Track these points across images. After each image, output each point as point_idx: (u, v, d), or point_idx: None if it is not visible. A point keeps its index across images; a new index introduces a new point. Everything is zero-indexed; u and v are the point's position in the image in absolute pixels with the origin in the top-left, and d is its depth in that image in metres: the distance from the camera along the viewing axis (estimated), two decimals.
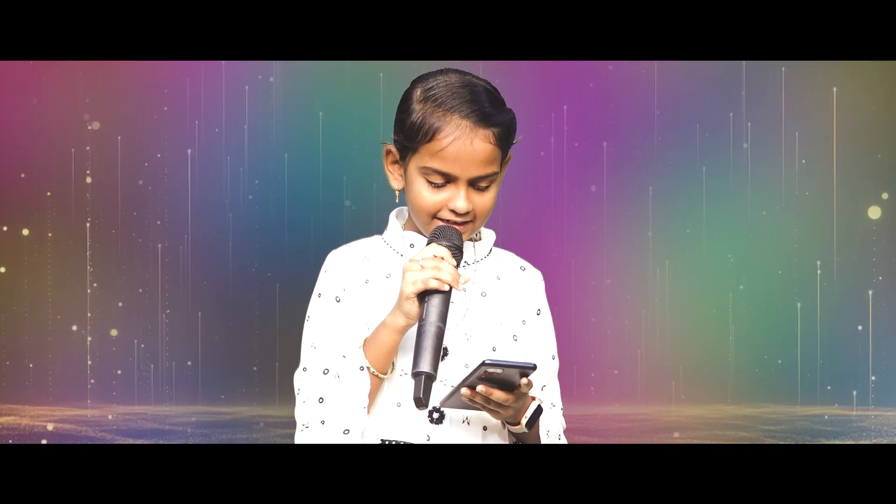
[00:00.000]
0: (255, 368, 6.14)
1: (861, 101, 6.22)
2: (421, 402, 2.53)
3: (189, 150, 6.15)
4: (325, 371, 2.68)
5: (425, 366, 2.54)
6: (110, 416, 6.10)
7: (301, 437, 2.68)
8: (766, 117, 6.25)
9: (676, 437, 6.16)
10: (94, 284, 6.14)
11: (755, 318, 6.25)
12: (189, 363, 6.13)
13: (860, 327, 6.19)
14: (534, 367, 2.56)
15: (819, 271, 6.21)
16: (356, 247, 2.80)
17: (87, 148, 6.13)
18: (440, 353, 2.57)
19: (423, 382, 2.53)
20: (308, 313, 2.75)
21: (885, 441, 6.12)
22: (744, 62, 6.15)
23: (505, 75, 5.99)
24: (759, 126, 6.26)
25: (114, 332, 6.13)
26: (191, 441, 5.99)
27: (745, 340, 6.25)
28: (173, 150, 6.14)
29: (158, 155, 6.12)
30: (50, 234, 6.12)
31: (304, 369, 2.72)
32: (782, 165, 6.22)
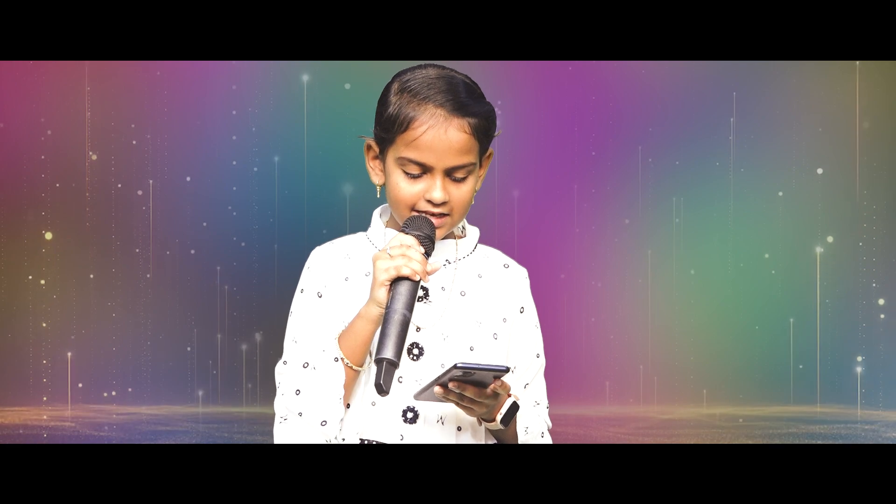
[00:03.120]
0: (254, 366, 6.15)
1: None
2: (381, 388, 2.54)
3: (190, 149, 6.16)
4: (305, 364, 2.71)
5: (387, 352, 2.56)
6: (107, 417, 6.10)
7: (279, 430, 2.70)
8: (767, 118, 6.26)
9: (670, 437, 6.17)
10: (92, 285, 6.14)
11: (754, 319, 6.26)
12: (187, 362, 6.13)
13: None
14: (506, 370, 2.57)
15: (819, 277, 6.22)
16: (340, 244, 2.82)
17: (90, 152, 6.13)
18: (404, 340, 2.58)
19: (385, 369, 2.55)
20: (291, 308, 2.78)
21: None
22: (740, 62, 6.16)
23: (508, 76, 6.00)
24: (760, 126, 6.26)
25: (111, 337, 6.14)
26: (174, 441, 6.00)
27: (744, 341, 6.25)
28: (172, 149, 6.14)
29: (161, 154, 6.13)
30: (46, 235, 6.12)
31: (285, 363, 2.74)
32: (791, 167, 6.23)
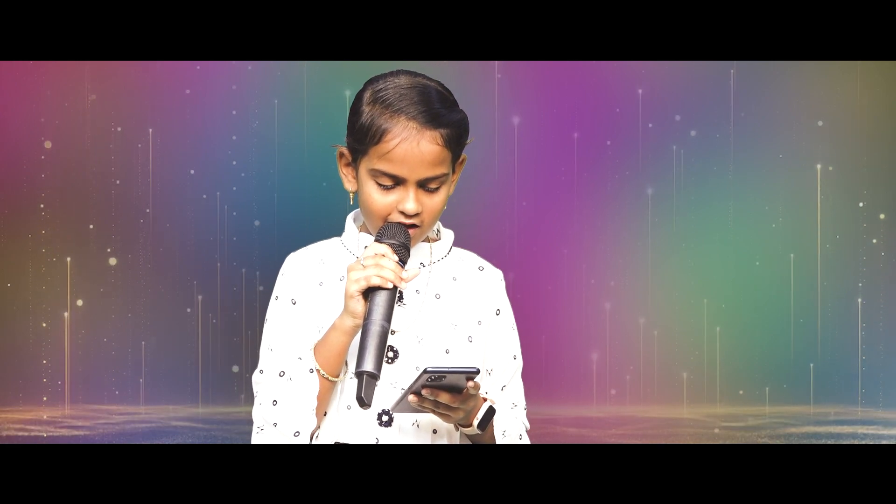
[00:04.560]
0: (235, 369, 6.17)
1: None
2: (363, 401, 2.55)
3: (183, 145, 6.16)
4: (281, 373, 2.71)
5: (367, 365, 2.56)
6: (107, 416, 6.10)
7: (256, 439, 2.74)
8: (763, 117, 6.26)
9: (663, 437, 6.17)
10: (92, 285, 6.14)
11: (751, 319, 6.26)
12: (188, 363, 6.14)
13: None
14: (477, 371, 2.56)
15: (819, 278, 6.22)
16: (314, 249, 2.82)
17: (85, 144, 6.13)
18: (384, 352, 2.58)
19: (365, 382, 2.55)
20: (266, 316, 2.78)
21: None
22: (735, 62, 6.17)
23: (508, 76, 6.00)
24: (755, 126, 6.26)
25: (107, 336, 6.14)
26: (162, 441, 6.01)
27: (739, 341, 6.26)
28: (168, 148, 6.15)
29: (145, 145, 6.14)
30: (43, 233, 6.12)
31: (262, 371, 2.75)
32: (794, 165, 6.23)
